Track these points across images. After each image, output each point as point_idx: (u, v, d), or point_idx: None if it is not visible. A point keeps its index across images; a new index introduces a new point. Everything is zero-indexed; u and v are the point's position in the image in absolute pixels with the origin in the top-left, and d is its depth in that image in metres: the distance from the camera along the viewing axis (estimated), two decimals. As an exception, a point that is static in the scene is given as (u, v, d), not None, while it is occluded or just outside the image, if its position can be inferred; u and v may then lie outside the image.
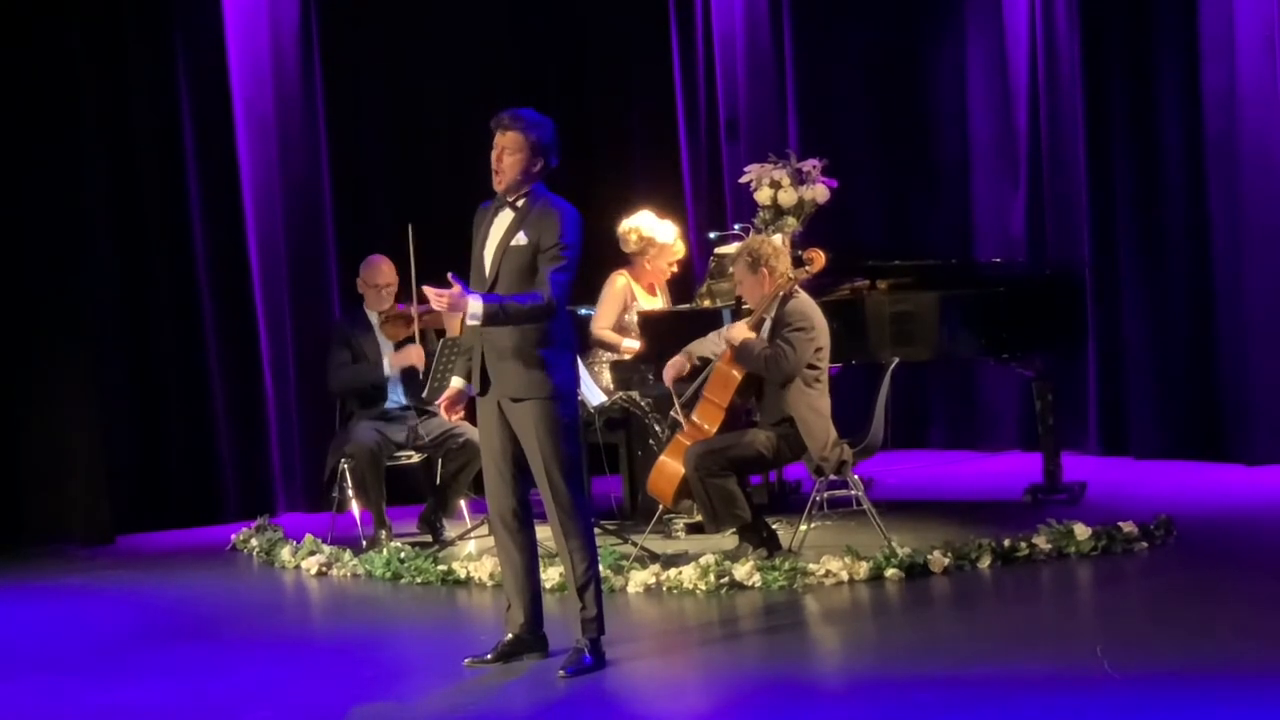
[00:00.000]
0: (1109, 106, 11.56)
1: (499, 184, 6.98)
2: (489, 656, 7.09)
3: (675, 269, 10.28)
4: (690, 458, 8.66)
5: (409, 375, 9.88)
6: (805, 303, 8.83)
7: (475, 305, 6.79)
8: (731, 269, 9.31)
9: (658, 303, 10.23)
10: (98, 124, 11.03)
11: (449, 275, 6.88)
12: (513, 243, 6.93)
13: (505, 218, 7.00)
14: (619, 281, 10.07)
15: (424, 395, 9.56)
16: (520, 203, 6.98)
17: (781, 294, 8.79)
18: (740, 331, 8.76)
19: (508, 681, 6.88)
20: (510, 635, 7.12)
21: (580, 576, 6.96)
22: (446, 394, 7.21)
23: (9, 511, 10.88)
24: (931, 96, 12.71)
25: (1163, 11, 11.37)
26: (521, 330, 6.86)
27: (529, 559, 7.11)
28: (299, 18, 11.62)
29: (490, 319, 6.81)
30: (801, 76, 12.83)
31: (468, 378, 7.13)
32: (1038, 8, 11.94)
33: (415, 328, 9.79)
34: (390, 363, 9.88)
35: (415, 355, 9.75)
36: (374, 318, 10.03)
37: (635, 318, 10.00)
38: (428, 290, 6.90)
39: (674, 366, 9.05)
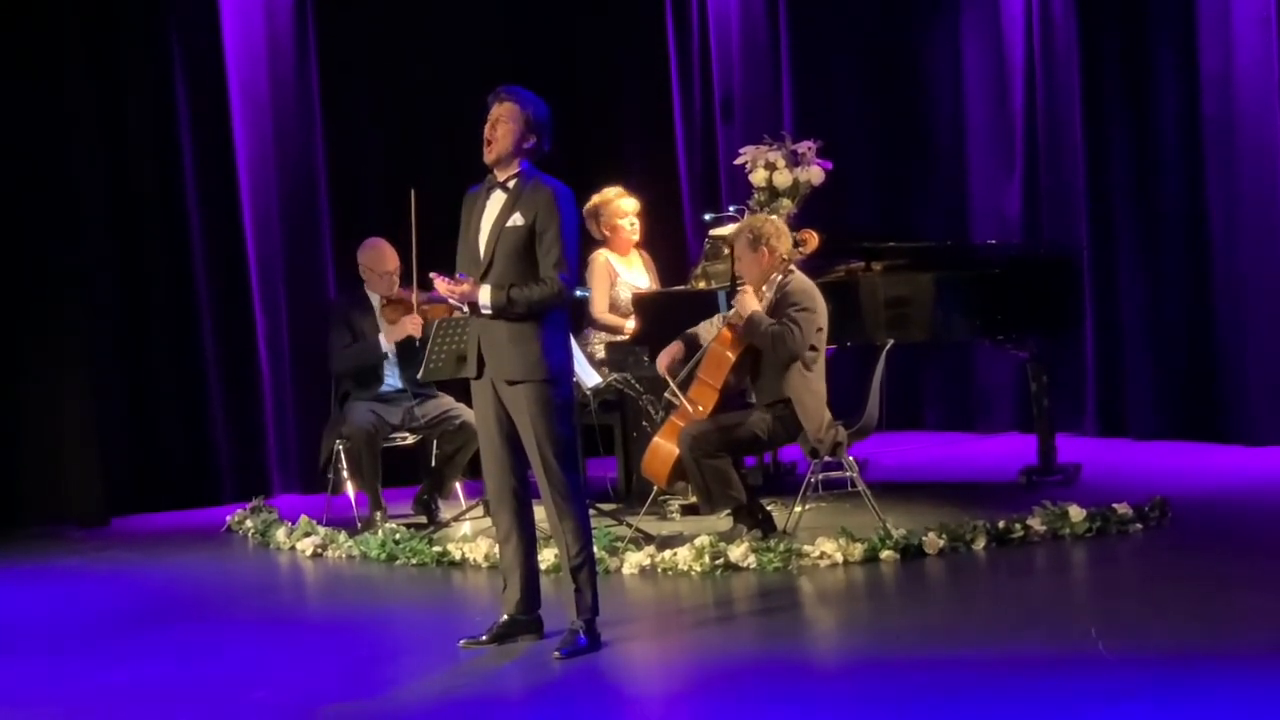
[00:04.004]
0: (1105, 88, 11.56)
1: (490, 154, 6.95)
2: (484, 638, 7.09)
3: (636, 223, 10.18)
4: (685, 439, 8.65)
5: (405, 356, 9.86)
6: (806, 283, 8.82)
7: (485, 296, 6.81)
8: (731, 244, 9.30)
9: (637, 266, 10.20)
10: (92, 107, 11.00)
11: (458, 275, 6.90)
12: (508, 224, 6.91)
13: (498, 199, 6.98)
14: (599, 259, 10.07)
15: (419, 376, 9.55)
16: (511, 183, 6.96)
17: (778, 274, 8.78)
18: (751, 302, 8.73)
19: (503, 663, 6.88)
20: (505, 616, 7.12)
21: (574, 558, 6.95)
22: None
23: (4, 493, 10.87)
24: (927, 78, 12.70)
25: (1159, -7, 11.39)
26: (521, 316, 6.86)
27: (526, 540, 7.10)
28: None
29: (500, 309, 6.82)
30: (797, 58, 12.82)
31: (463, 359, 7.15)
32: (1033, -10, 11.95)
33: (416, 315, 9.76)
34: (386, 338, 9.86)
35: (412, 325, 9.71)
36: (375, 300, 10.00)
37: (625, 292, 10.01)
38: (438, 283, 6.91)
39: (668, 354, 9.04)
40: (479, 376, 7.02)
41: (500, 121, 6.94)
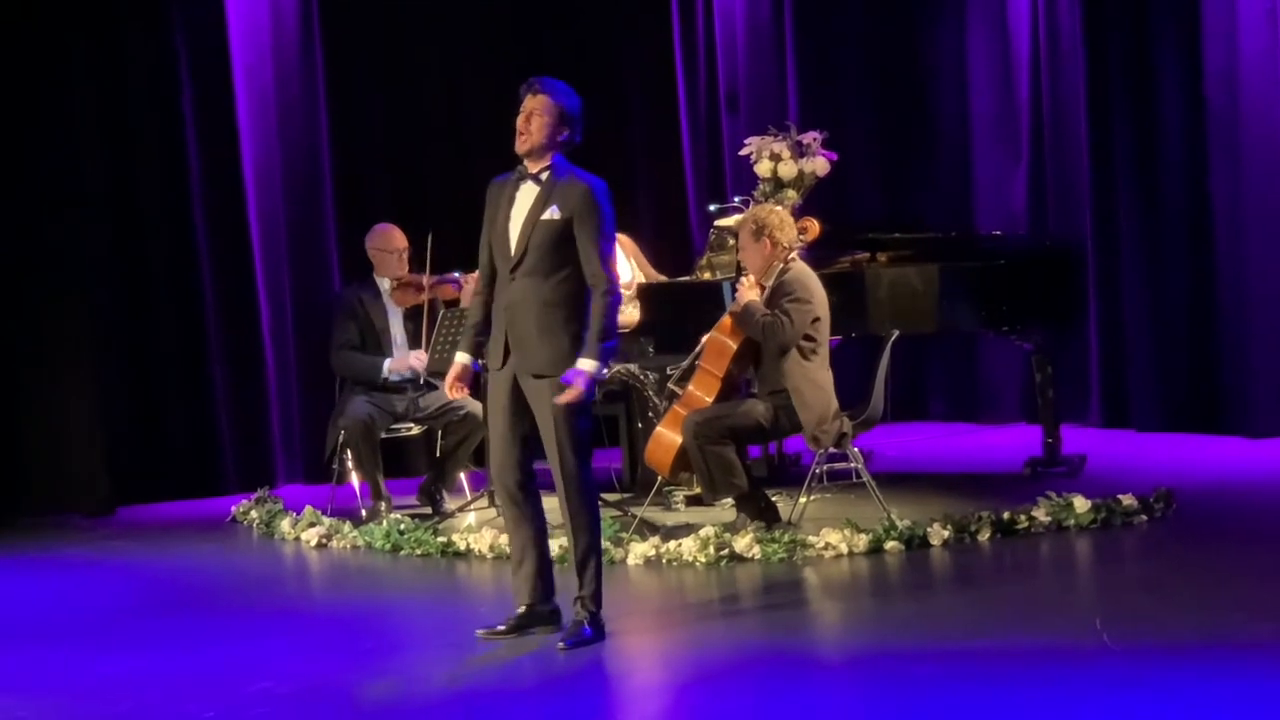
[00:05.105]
0: (1111, 81, 11.56)
1: (523, 145, 6.87)
2: (502, 629, 7.04)
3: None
4: (689, 425, 8.65)
5: (414, 345, 9.88)
6: (804, 273, 8.82)
7: (591, 368, 6.78)
8: (736, 233, 9.29)
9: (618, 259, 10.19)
10: (96, 95, 11.01)
11: (560, 379, 6.78)
12: (543, 216, 6.84)
13: (529, 191, 6.91)
14: None
15: (412, 363, 9.58)
16: (544, 176, 6.89)
17: (779, 263, 8.78)
18: (748, 292, 8.73)
19: (508, 654, 6.87)
20: (522, 608, 7.08)
21: (581, 552, 6.93)
22: (452, 371, 7.16)
23: (11, 483, 10.89)
24: (932, 70, 12.70)
25: (1164, -14, 11.38)
26: (549, 310, 6.83)
27: (538, 530, 7.05)
28: (299, -12, 11.64)
29: (605, 360, 6.84)
30: (802, 49, 12.83)
31: (474, 353, 7.11)
32: (1039, -19, 11.94)
33: (425, 296, 9.79)
34: (389, 367, 9.85)
35: (415, 360, 9.75)
36: (385, 284, 10.01)
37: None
38: (560, 401, 6.81)
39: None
40: (501, 367, 6.99)
41: (535, 114, 6.88)
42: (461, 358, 7.15)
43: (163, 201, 11.23)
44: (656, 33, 12.90)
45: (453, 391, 7.18)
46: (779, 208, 9.38)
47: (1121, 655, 6.30)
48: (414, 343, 9.89)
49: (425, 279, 9.78)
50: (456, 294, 9.82)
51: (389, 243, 10.00)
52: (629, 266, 10.21)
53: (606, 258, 6.85)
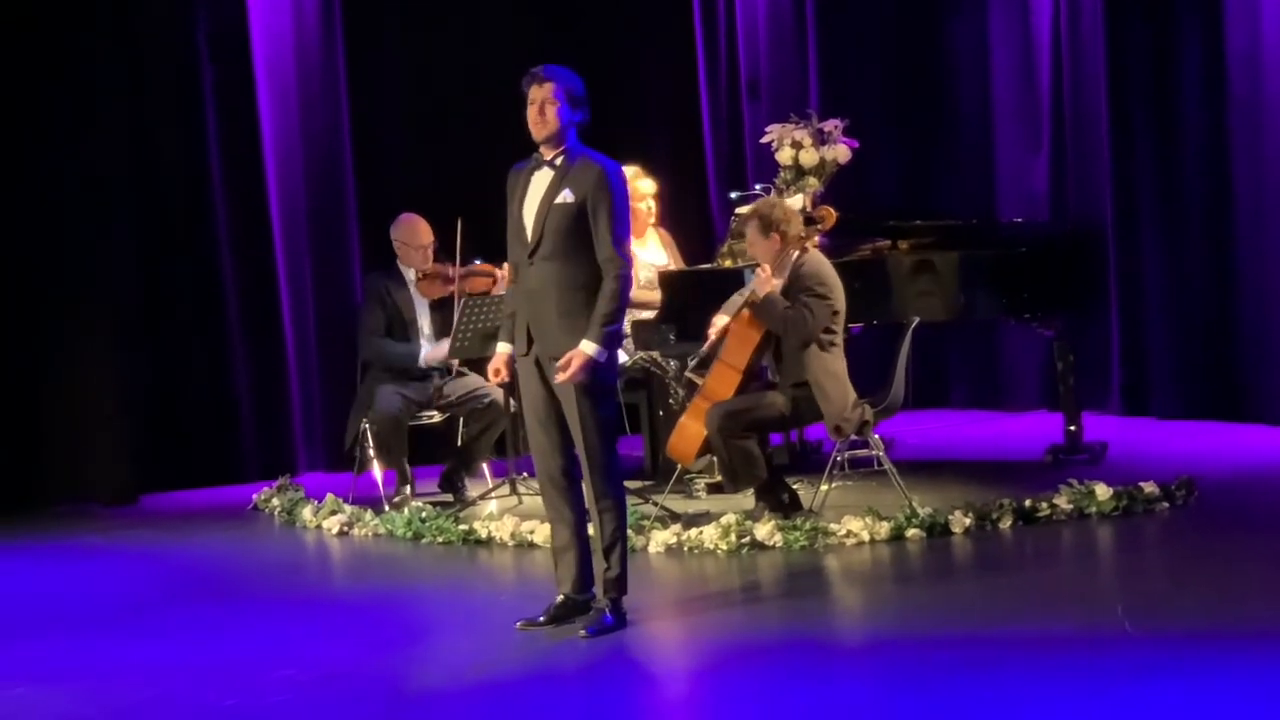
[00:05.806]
0: (1131, 67, 11.52)
1: (540, 133, 6.88)
2: (541, 619, 7.03)
3: (652, 205, 10.14)
4: (712, 419, 8.63)
5: (441, 334, 9.89)
6: (821, 264, 8.77)
7: (592, 349, 6.77)
8: (745, 231, 9.28)
9: (653, 245, 10.17)
10: (117, 85, 11.02)
11: (559, 362, 6.79)
12: (557, 201, 6.85)
13: (544, 176, 6.91)
14: None
15: (447, 354, 9.57)
16: (558, 160, 6.90)
17: (794, 251, 8.75)
18: (768, 284, 8.70)
19: (529, 641, 6.88)
20: (561, 597, 7.06)
21: (608, 536, 6.94)
22: (497, 359, 7.15)
23: (32, 472, 10.91)
24: (954, 57, 12.67)
25: (1187, -29, 11.34)
26: (571, 293, 6.83)
27: (578, 518, 7.03)
28: (319, -23, 11.63)
29: (610, 344, 6.82)
30: (823, 36, 12.81)
31: (511, 341, 7.11)
32: (1060, -32, 11.91)
33: (454, 288, 9.78)
34: (425, 357, 9.84)
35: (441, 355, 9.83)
36: (410, 274, 10.00)
37: (644, 272, 9.93)
38: (557, 380, 6.83)
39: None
40: (526, 353, 7.00)
41: (547, 103, 6.87)
42: (503, 348, 7.16)
43: (185, 193, 11.25)
44: (678, 20, 12.89)
45: (494, 378, 7.20)
46: (783, 200, 9.35)
47: (1143, 642, 6.29)
48: (441, 334, 9.89)
49: (453, 270, 9.77)
50: (487, 286, 9.80)
51: (414, 237, 9.98)
52: (666, 259, 10.20)
53: (620, 240, 6.85)
